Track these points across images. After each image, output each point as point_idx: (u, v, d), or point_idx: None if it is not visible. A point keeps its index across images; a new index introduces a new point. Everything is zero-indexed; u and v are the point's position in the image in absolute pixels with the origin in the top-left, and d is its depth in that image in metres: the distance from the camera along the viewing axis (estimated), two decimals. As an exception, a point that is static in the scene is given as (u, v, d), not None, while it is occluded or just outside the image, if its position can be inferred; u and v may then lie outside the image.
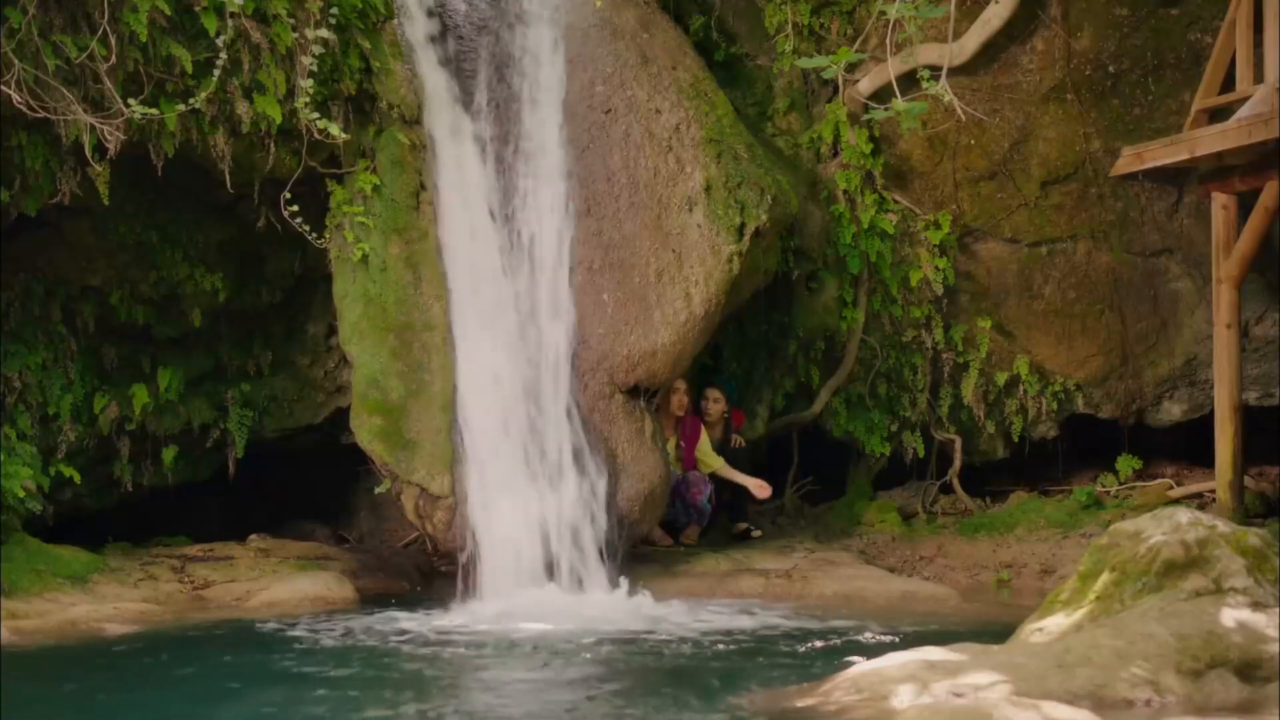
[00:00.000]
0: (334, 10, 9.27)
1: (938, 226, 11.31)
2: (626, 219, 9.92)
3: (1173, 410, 11.99)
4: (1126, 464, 11.86)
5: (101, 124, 8.54)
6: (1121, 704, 5.11)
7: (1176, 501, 11.07)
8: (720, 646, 7.56)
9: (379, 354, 9.53)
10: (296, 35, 9.15)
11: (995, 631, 6.64)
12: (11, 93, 8.23)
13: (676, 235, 9.89)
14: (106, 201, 8.99)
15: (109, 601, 8.78)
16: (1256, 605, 5.48)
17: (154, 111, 8.67)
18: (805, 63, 9.06)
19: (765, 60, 11.70)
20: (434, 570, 10.75)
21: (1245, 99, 9.83)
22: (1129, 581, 5.73)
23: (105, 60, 8.46)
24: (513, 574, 9.30)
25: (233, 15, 8.83)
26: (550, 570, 9.36)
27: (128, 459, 10.62)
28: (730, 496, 11.48)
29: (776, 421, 12.00)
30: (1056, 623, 5.79)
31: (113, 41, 8.45)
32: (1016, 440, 12.07)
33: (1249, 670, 5.27)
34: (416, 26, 10.21)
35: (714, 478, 11.18)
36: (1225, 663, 5.27)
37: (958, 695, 5.09)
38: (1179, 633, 5.34)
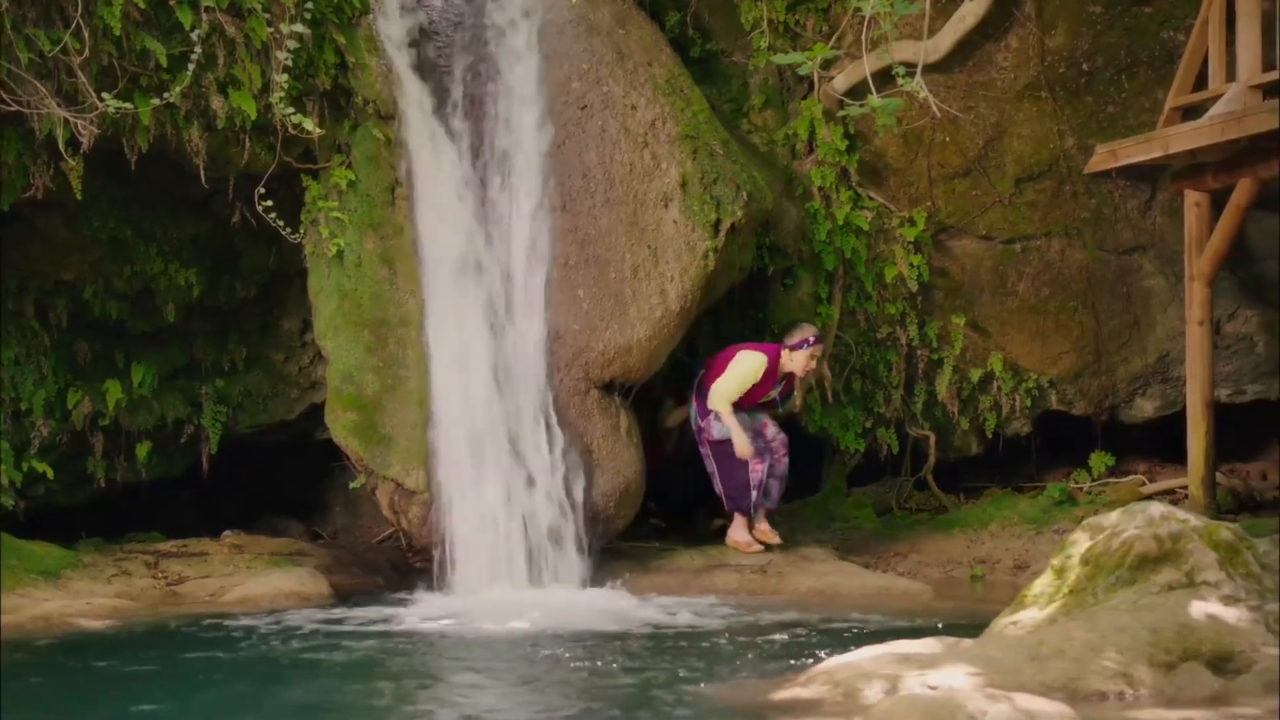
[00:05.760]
0: (309, 5, 9.26)
1: (913, 223, 11.33)
2: (602, 215, 9.92)
3: (1145, 407, 12.03)
4: (1099, 461, 11.90)
5: (75, 118, 8.52)
6: (1095, 696, 5.14)
7: (1149, 498, 11.08)
8: (695, 641, 7.57)
9: (354, 349, 9.53)
10: (271, 30, 9.15)
11: (969, 626, 6.66)
12: (-15, 86, 8.21)
13: (652, 231, 9.89)
14: (80, 196, 8.96)
15: (82, 597, 8.76)
16: (1228, 599, 5.52)
17: (128, 106, 8.66)
18: (781, 59, 9.07)
19: (741, 57, 11.70)
20: (409, 566, 10.74)
21: (1218, 97, 9.88)
22: (1102, 575, 5.76)
23: (79, 54, 8.45)
24: (487, 570, 9.32)
25: (207, 9, 8.83)
26: (525, 566, 9.37)
27: (101, 454, 10.57)
28: (695, 490, 11.47)
29: (752, 417, 12.02)
30: (1030, 616, 5.81)
31: (86, 35, 8.44)
32: (990, 437, 12.10)
33: (1220, 663, 5.31)
34: (392, 22, 10.18)
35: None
36: (1197, 655, 5.30)
37: (931, 688, 5.11)
38: (1151, 626, 5.37)
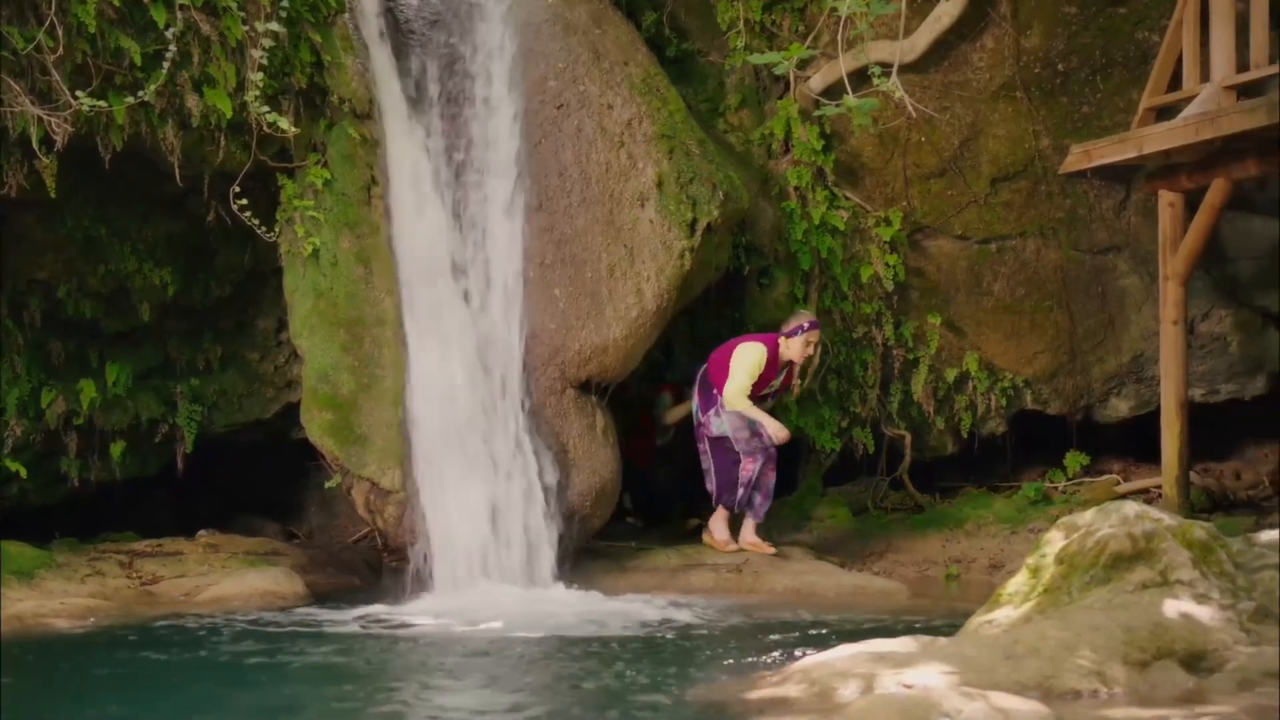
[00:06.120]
0: (284, 3, 9.23)
1: (888, 223, 11.35)
2: (578, 214, 9.92)
3: (1120, 407, 12.08)
4: (1074, 460, 11.94)
5: (49, 116, 8.47)
6: (1069, 694, 5.15)
7: (1123, 497, 11.12)
8: (671, 641, 7.57)
9: (329, 348, 9.50)
10: (247, 28, 9.11)
11: (944, 625, 6.68)
12: (-43, 84, 8.16)
13: (628, 230, 9.89)
14: (54, 195, 8.90)
15: (56, 597, 8.71)
16: (1201, 598, 5.53)
17: (102, 104, 8.62)
18: (757, 59, 9.06)
19: (717, 57, 11.71)
20: (384, 566, 10.74)
21: (1192, 97, 9.92)
22: (1077, 574, 5.77)
23: (53, 52, 8.40)
24: (463, 569, 9.29)
25: (182, 8, 8.79)
26: (501, 566, 9.35)
27: (75, 454, 10.52)
28: (672, 489, 11.47)
29: (728, 417, 12.02)
30: (1005, 615, 5.82)
31: (60, 33, 8.39)
32: (966, 436, 12.13)
33: (1194, 661, 5.32)
34: (368, 21, 10.16)
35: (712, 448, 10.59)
36: (1171, 654, 5.31)
37: (906, 686, 5.12)
38: (1126, 624, 5.38)
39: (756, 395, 10.27)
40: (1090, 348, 11.74)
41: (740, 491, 10.27)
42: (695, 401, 10.55)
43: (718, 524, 10.43)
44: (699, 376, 10.53)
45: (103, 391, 10.37)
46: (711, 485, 10.48)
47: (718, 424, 10.28)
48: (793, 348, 10.34)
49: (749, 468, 10.21)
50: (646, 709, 5.68)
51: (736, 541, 10.40)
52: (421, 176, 9.98)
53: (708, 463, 10.46)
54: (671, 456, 11.97)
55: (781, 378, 10.50)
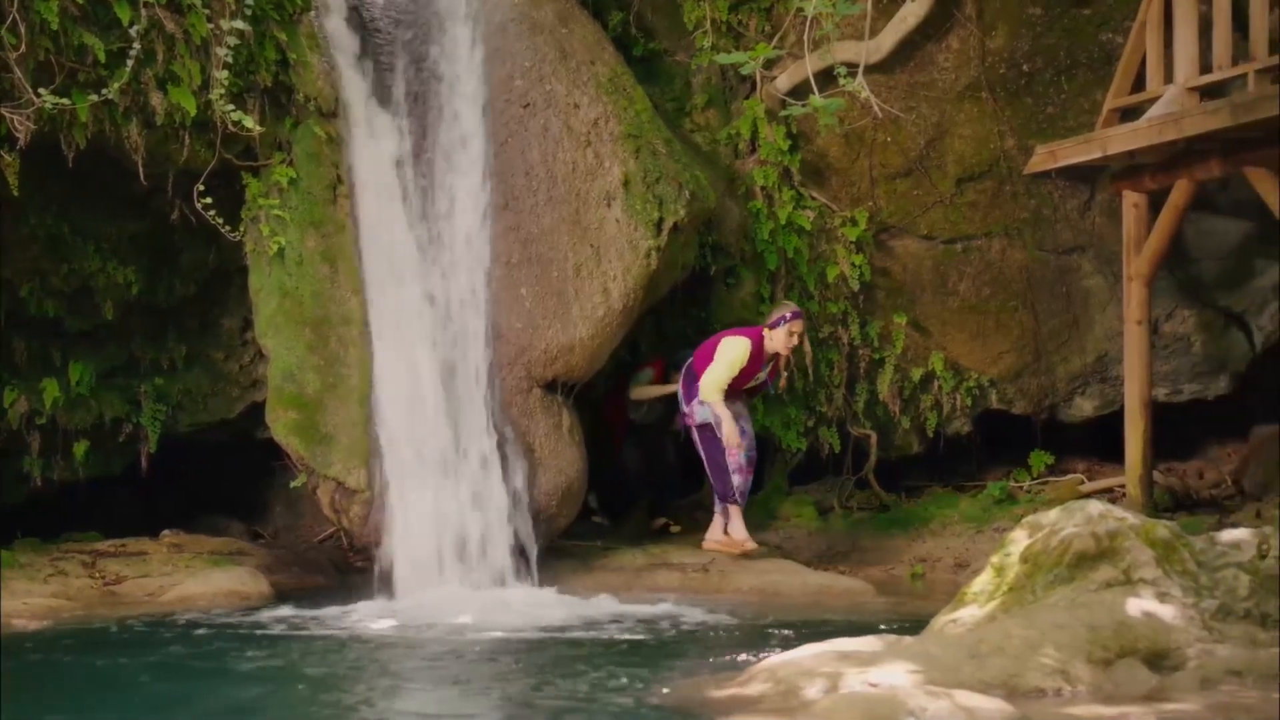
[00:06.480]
0: (250, 1, 9.20)
1: (854, 223, 11.36)
2: (545, 213, 9.91)
3: (1084, 406, 12.12)
4: (1039, 460, 11.98)
5: (11, 114, 8.42)
6: (1033, 693, 5.17)
7: (1087, 496, 11.15)
8: (636, 641, 7.57)
9: (295, 347, 9.47)
10: (211, 26, 9.08)
11: (910, 624, 6.69)
12: (-81, 81, 8.11)
13: (595, 230, 9.89)
14: (16, 193, 8.84)
15: (18, 597, 8.65)
16: (1164, 596, 5.56)
17: (65, 102, 8.57)
18: (724, 59, 9.07)
19: (684, 56, 11.71)
20: (350, 565, 10.70)
21: (1156, 99, 9.97)
22: (1041, 573, 5.79)
23: (15, 49, 8.34)
24: (428, 569, 9.28)
25: (146, 5, 8.75)
26: (467, 566, 9.34)
27: (38, 453, 10.45)
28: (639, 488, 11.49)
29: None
30: (970, 614, 5.84)
31: (23, 30, 8.33)
32: (931, 436, 12.14)
33: (1156, 659, 5.35)
34: (334, 19, 10.13)
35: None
36: (1134, 652, 5.34)
37: (872, 685, 5.13)
38: (1089, 623, 5.40)
39: (740, 388, 10.24)
40: (1055, 348, 11.78)
41: (735, 478, 10.19)
42: (680, 392, 10.50)
43: (735, 523, 10.26)
44: (685, 367, 10.48)
45: (66, 390, 10.30)
46: (710, 478, 10.38)
47: (701, 412, 10.23)
48: (776, 339, 10.27)
49: (734, 454, 10.15)
50: (611, 709, 5.68)
51: (725, 536, 10.29)
52: (387, 175, 9.96)
53: (702, 453, 10.36)
54: (638, 449, 11.96)
55: (767, 370, 10.46)
